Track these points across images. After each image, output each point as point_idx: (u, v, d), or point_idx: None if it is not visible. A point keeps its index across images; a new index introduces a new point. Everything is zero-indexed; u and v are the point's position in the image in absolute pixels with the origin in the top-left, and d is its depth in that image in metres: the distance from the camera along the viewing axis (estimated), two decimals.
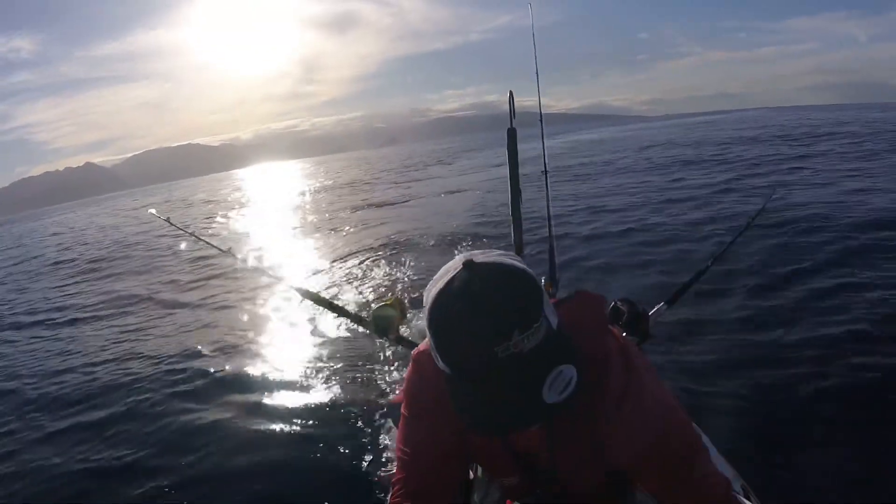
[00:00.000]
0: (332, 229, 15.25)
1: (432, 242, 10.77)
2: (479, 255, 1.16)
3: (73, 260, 18.05)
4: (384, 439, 4.08)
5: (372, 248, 11.18)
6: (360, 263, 10.09)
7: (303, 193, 32.04)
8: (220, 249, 3.98)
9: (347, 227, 14.95)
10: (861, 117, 34.94)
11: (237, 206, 31.00)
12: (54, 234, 33.90)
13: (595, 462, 1.42)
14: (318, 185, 38.59)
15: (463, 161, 40.50)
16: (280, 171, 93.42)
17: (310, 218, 19.23)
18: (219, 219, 25.00)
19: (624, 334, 2.11)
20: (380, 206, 18.98)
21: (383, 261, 9.98)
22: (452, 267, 1.15)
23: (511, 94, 3.82)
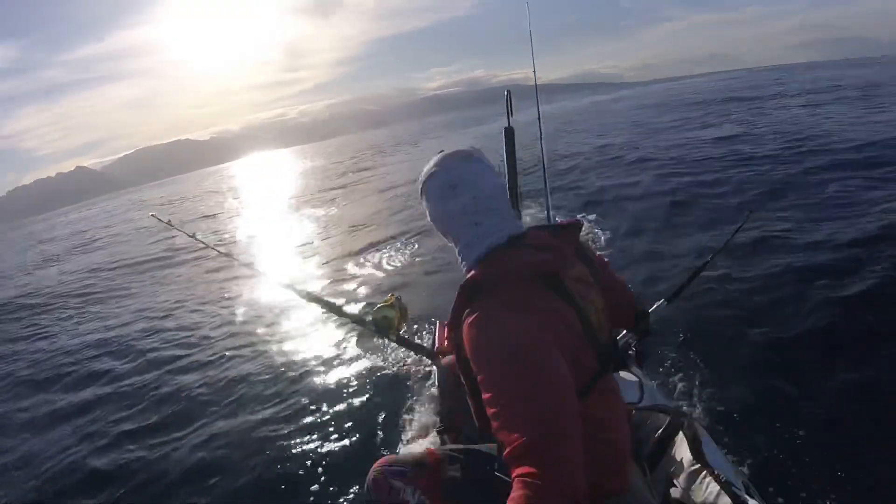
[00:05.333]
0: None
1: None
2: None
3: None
4: (383, 440, 4.13)
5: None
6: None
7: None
8: (220, 252, 3.97)
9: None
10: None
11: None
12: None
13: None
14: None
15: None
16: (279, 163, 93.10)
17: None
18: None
19: (623, 333, 2.11)
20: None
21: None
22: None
23: (508, 92, 3.77)
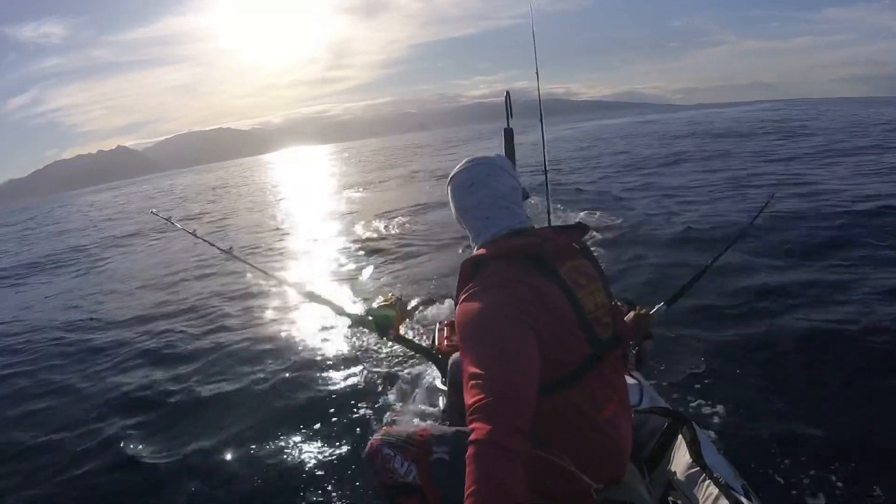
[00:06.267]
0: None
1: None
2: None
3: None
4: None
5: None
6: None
7: None
8: (221, 249, 3.97)
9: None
10: None
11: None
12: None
13: None
14: None
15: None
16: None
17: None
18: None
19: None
20: None
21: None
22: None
23: (507, 94, 3.80)
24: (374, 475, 2.00)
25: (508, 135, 3.68)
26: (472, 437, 1.34)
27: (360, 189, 24.23)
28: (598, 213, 11.07)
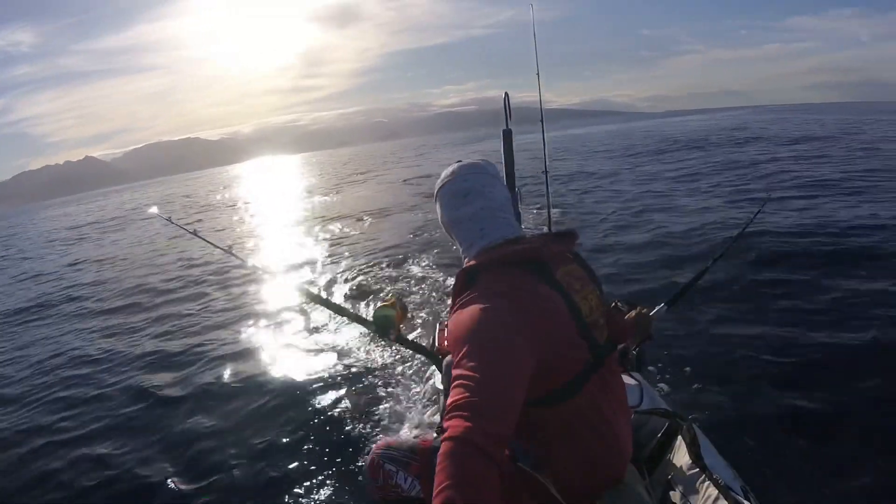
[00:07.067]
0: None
1: None
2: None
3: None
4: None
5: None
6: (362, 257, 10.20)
7: None
8: (221, 248, 3.95)
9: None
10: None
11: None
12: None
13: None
14: None
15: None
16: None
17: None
18: None
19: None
20: None
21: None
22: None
23: (506, 95, 3.79)
24: (377, 489, 1.99)
25: (507, 136, 3.67)
26: (447, 433, 1.27)
27: (335, 194, 24.64)
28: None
